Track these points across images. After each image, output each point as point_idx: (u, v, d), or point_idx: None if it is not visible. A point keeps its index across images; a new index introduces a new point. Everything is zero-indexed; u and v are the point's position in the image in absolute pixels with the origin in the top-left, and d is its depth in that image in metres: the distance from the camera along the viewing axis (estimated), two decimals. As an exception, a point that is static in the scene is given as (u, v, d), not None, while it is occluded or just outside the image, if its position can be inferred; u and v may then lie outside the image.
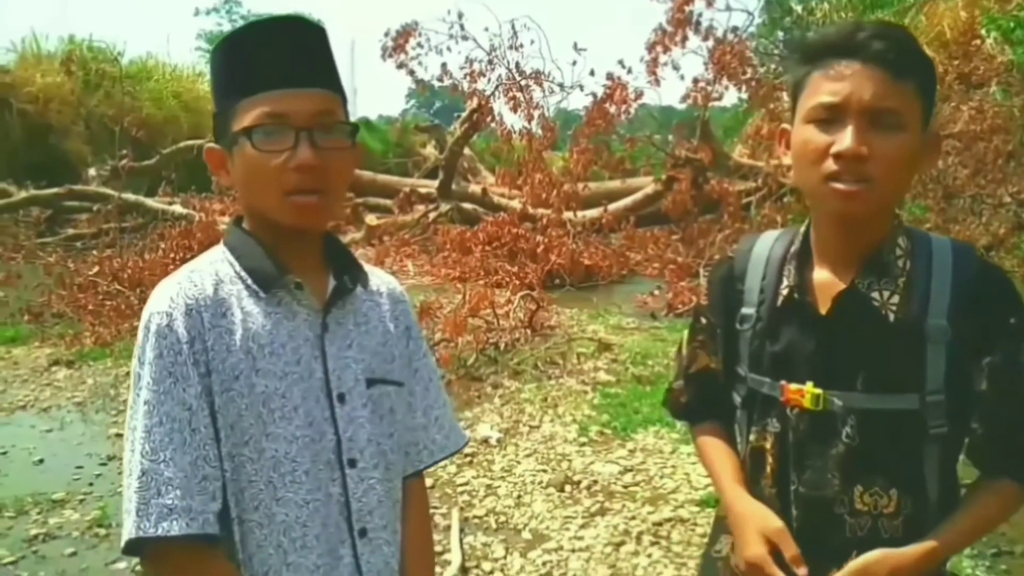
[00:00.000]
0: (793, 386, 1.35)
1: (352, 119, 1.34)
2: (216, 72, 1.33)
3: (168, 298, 1.25)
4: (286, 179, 1.23)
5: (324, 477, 1.28)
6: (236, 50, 1.29)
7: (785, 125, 1.39)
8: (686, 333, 1.59)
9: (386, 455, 1.36)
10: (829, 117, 1.26)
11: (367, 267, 1.45)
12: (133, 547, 1.19)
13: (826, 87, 1.26)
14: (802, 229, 1.43)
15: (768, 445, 1.39)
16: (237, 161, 1.27)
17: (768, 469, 1.39)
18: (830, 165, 1.25)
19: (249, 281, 1.29)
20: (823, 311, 1.35)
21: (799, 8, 15.31)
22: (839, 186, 1.25)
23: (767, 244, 1.46)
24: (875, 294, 1.32)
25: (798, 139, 1.31)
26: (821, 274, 1.38)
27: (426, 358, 1.50)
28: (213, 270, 1.30)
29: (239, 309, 1.27)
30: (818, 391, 1.33)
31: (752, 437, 1.43)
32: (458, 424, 1.55)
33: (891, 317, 1.31)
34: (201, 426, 1.21)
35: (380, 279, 1.48)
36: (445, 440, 1.49)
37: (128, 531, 1.18)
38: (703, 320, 1.53)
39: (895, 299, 1.31)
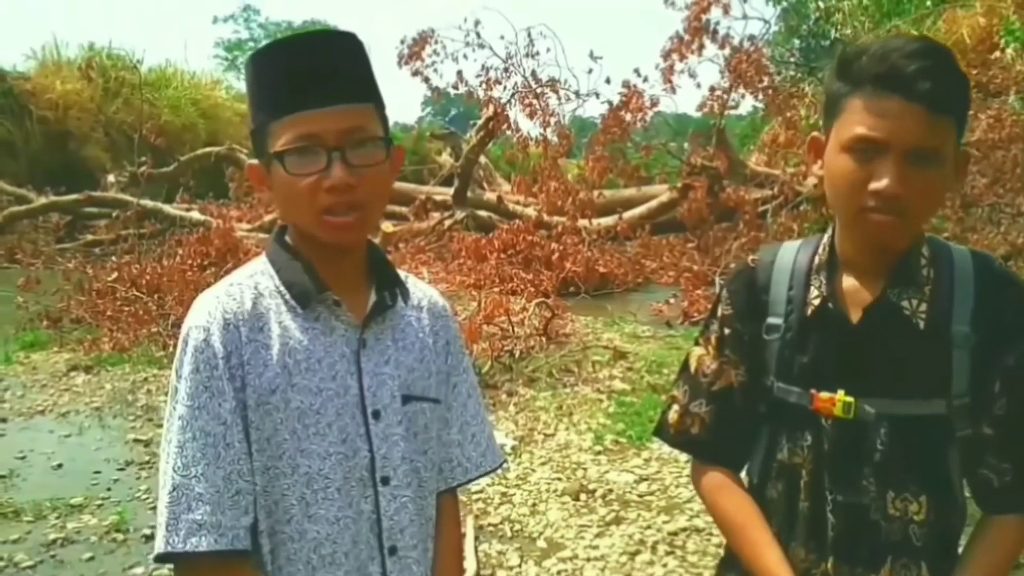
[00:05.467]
0: (824, 394, 1.35)
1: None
2: (249, 88, 1.31)
3: (207, 312, 1.25)
4: (320, 200, 1.22)
5: (356, 494, 1.28)
6: (265, 69, 1.27)
7: (816, 134, 1.38)
8: (698, 349, 1.53)
9: (419, 473, 1.35)
10: (868, 148, 1.25)
11: (410, 279, 1.44)
12: (164, 559, 1.21)
13: (868, 120, 1.25)
14: (825, 239, 1.43)
15: (801, 460, 1.39)
16: (274, 180, 1.26)
17: (802, 483, 1.39)
18: (867, 199, 1.26)
19: (288, 296, 1.29)
20: (854, 320, 1.36)
21: (821, 3, 15.13)
22: (875, 217, 1.26)
23: (790, 255, 1.46)
24: (905, 303, 1.34)
25: (835, 167, 1.30)
26: (849, 283, 1.38)
27: (466, 374, 1.48)
28: (253, 283, 1.30)
29: (277, 324, 1.27)
30: (849, 399, 1.33)
31: (783, 454, 1.42)
32: (496, 444, 1.52)
33: (921, 325, 1.33)
34: (235, 440, 1.21)
35: (423, 292, 1.46)
36: (481, 458, 1.46)
37: (158, 545, 1.20)
38: (727, 331, 1.48)
39: (923, 307, 1.33)
